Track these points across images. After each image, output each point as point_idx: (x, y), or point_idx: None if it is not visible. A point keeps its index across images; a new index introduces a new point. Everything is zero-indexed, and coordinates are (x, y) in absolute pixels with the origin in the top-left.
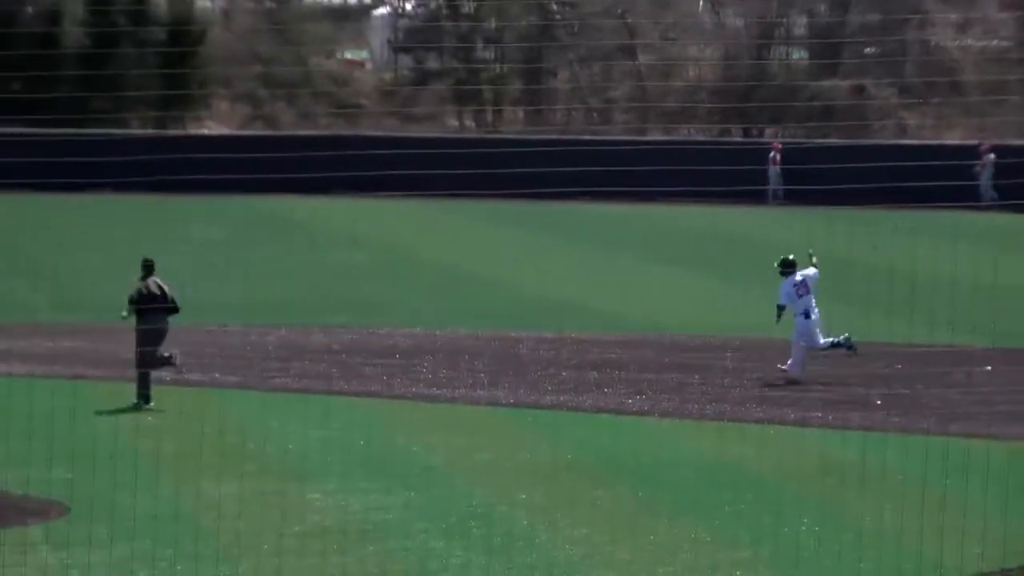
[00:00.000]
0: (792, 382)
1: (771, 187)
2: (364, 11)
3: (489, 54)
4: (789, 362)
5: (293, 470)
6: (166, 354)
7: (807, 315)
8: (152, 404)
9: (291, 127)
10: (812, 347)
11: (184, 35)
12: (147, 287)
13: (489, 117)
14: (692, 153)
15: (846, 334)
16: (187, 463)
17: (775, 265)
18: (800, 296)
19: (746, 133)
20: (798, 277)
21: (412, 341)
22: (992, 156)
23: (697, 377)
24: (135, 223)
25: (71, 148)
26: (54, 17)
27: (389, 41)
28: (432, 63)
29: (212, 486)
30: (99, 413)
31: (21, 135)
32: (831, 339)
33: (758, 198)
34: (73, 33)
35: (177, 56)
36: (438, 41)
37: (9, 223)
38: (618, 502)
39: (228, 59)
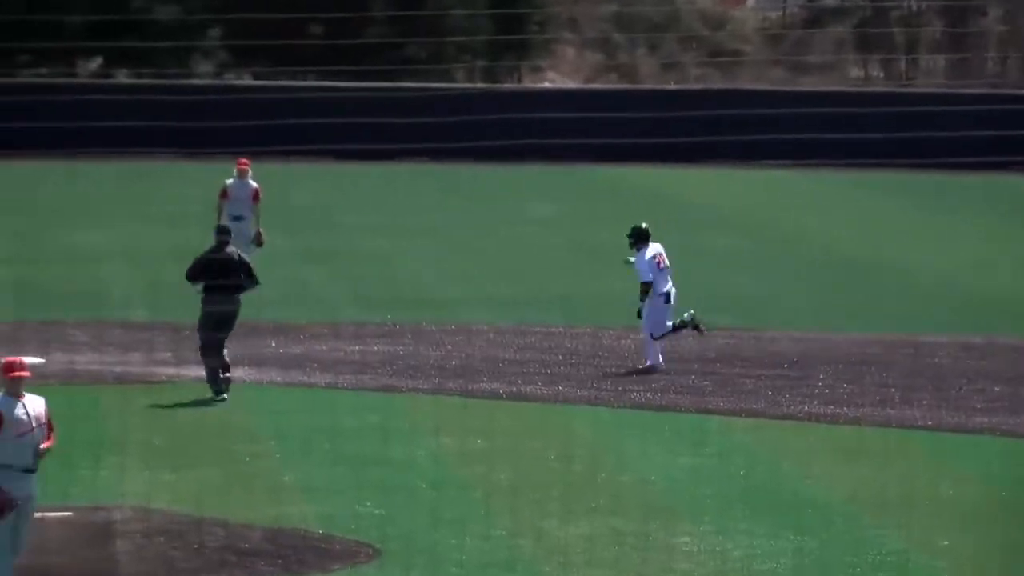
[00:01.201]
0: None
1: None
2: None
3: None
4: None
5: (656, 506)
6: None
7: (668, 298)
8: (225, 397)
9: (652, 79)
10: (656, 334)
11: None
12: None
13: (902, 67)
14: None
15: (690, 311)
16: (525, 496)
17: (627, 236)
18: (660, 270)
19: None
20: (652, 250)
21: (802, 346)
22: None
23: None
24: (454, 197)
25: (380, 106)
26: None
27: None
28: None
29: (556, 525)
30: (416, 433)
31: (318, 90)
32: (671, 322)
33: None
34: None
35: None
36: None
37: (303, 197)
38: None
39: None
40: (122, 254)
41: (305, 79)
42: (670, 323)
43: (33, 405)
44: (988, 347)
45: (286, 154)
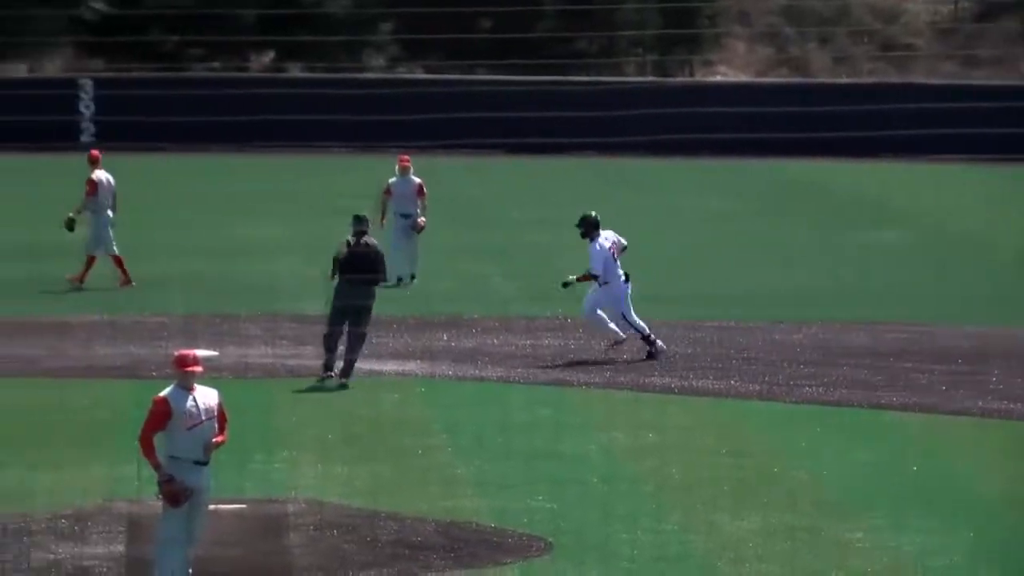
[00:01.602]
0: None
1: None
2: None
3: None
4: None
5: (829, 502)
6: None
7: (627, 279)
8: (331, 375)
9: (824, 73)
10: (624, 313)
11: None
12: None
13: None
14: None
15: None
16: (696, 491)
17: (576, 226)
18: (615, 261)
19: None
20: (605, 239)
21: (975, 341)
22: None
23: None
24: (623, 191)
25: (549, 100)
26: None
27: None
28: None
29: (727, 520)
30: (587, 428)
31: (488, 84)
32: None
33: None
34: None
35: None
36: None
37: (473, 191)
38: None
39: None
40: (295, 248)
41: (475, 73)
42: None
43: (204, 398)
44: None
45: (457, 148)
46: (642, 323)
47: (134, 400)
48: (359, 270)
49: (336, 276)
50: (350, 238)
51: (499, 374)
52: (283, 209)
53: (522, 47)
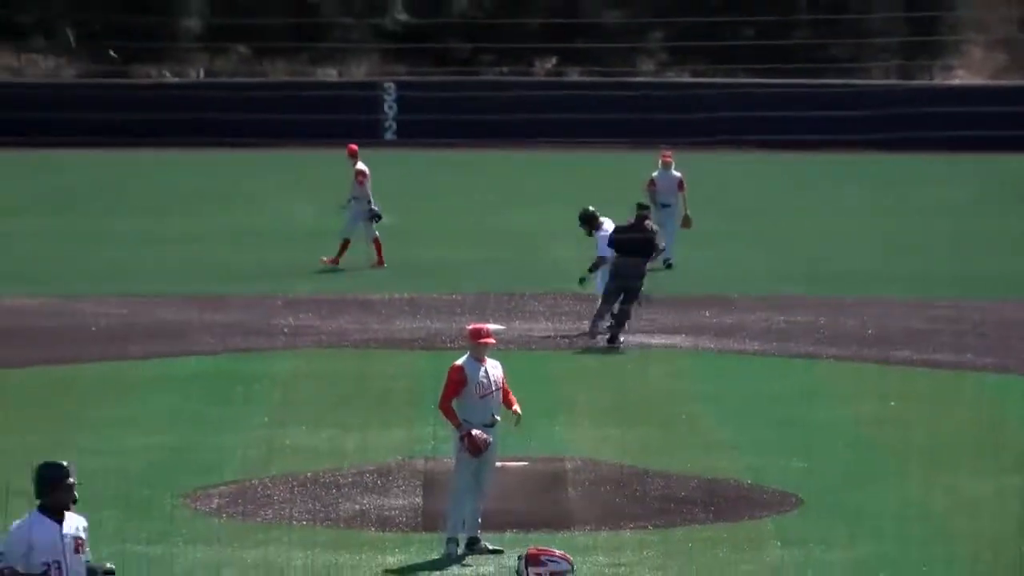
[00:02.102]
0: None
1: None
2: None
3: None
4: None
5: None
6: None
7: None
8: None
9: None
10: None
11: None
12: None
13: None
14: None
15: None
16: (937, 456)
17: (579, 224)
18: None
19: None
20: (606, 230)
21: None
22: None
23: None
24: (870, 184)
25: (805, 101)
26: None
27: None
28: None
29: (966, 483)
30: (836, 398)
31: (750, 86)
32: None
33: None
34: None
35: None
36: None
37: (737, 183)
38: None
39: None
40: (564, 234)
41: (738, 76)
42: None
43: (493, 369)
44: None
45: (719, 144)
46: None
47: (430, 369)
48: (639, 250)
49: (613, 256)
50: (631, 219)
51: (756, 348)
52: (560, 199)
53: (781, 52)
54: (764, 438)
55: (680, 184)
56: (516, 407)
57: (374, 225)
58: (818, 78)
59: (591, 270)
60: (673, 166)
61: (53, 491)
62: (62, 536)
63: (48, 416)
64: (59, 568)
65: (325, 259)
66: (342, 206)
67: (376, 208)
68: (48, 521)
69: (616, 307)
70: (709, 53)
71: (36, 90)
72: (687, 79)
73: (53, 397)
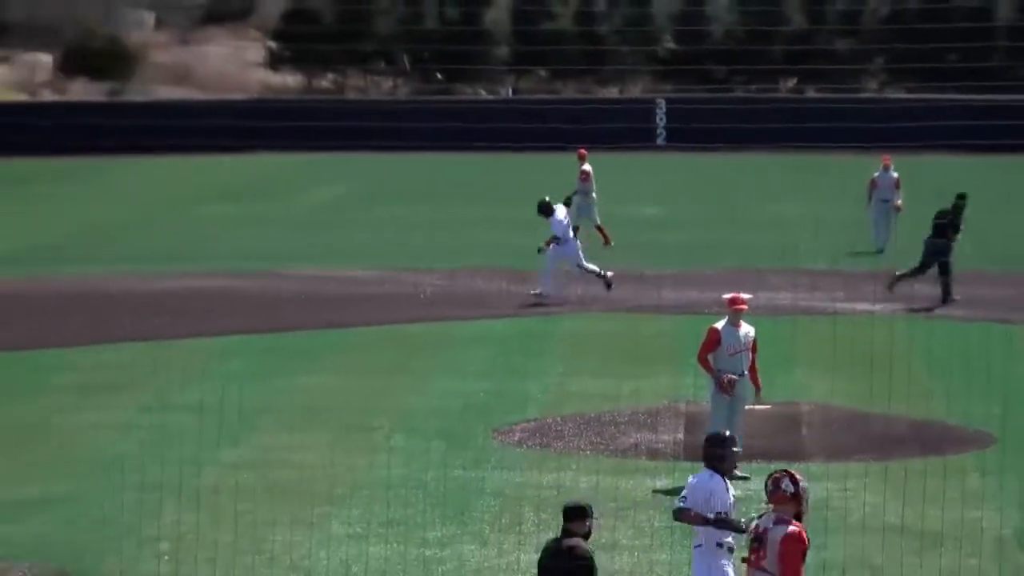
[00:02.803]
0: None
1: None
2: None
3: None
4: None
5: None
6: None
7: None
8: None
9: None
10: (580, 266)
11: None
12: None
13: None
14: None
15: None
16: None
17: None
18: (567, 227)
19: None
20: (561, 215)
21: None
22: None
23: None
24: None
25: (1003, 113)
26: None
27: None
28: None
29: None
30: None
31: (960, 102)
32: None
33: None
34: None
35: None
36: None
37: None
38: None
39: None
40: (811, 220)
41: (946, 92)
42: (584, 264)
43: (746, 331)
44: None
45: (929, 149)
46: (593, 266)
47: (690, 331)
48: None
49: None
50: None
51: (968, 315)
52: (796, 194)
53: (980, 72)
54: (969, 386)
55: (897, 183)
56: (759, 382)
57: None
58: (1013, 94)
59: (546, 244)
60: (892, 168)
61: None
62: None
63: (382, 365)
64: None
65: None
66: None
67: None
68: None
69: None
70: (920, 73)
71: (379, 105)
72: (903, 95)
73: (386, 351)
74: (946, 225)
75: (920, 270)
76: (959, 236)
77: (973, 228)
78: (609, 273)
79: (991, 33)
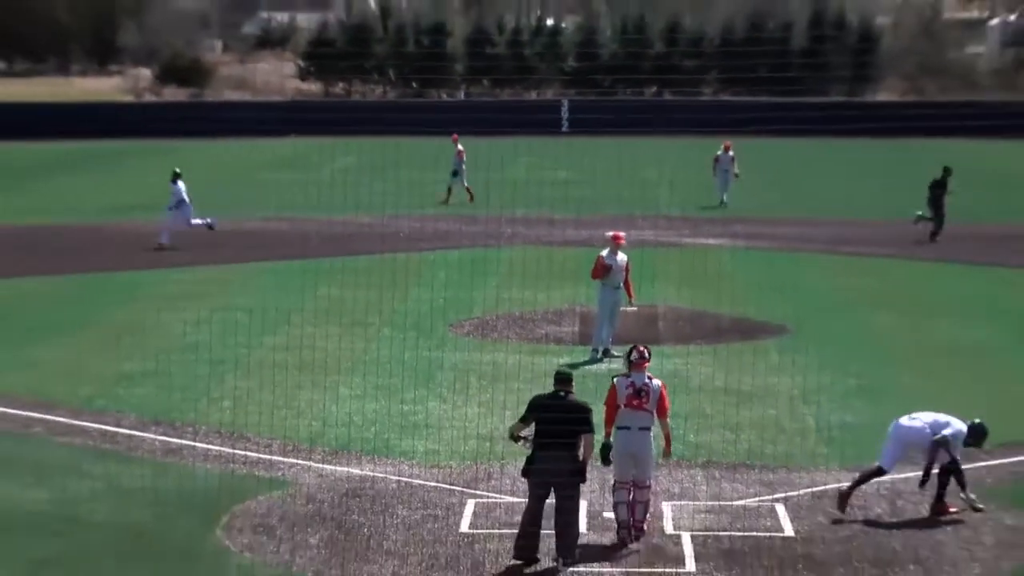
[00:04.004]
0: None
1: None
2: None
3: None
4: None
5: None
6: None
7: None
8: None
9: None
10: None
11: None
12: None
13: None
14: None
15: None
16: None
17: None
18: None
19: None
20: (182, 185)
21: None
22: None
23: None
24: None
25: None
26: None
27: None
28: None
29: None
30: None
31: None
32: (202, 220)
33: None
34: None
35: None
36: None
37: None
38: None
39: None
40: (669, 183)
41: None
42: (198, 219)
43: (622, 258)
44: None
45: None
46: (198, 220)
47: (585, 258)
48: None
49: None
50: None
51: (772, 245)
52: (667, 163)
53: None
54: (772, 296)
55: (733, 159)
56: (633, 295)
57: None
58: (804, 96)
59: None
60: (731, 149)
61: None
62: None
63: (375, 281)
64: None
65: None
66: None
67: None
68: None
69: None
70: (742, 82)
71: (374, 104)
72: (730, 98)
73: (378, 272)
74: (940, 188)
75: (941, 221)
76: (947, 196)
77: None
78: (210, 220)
79: (788, 54)
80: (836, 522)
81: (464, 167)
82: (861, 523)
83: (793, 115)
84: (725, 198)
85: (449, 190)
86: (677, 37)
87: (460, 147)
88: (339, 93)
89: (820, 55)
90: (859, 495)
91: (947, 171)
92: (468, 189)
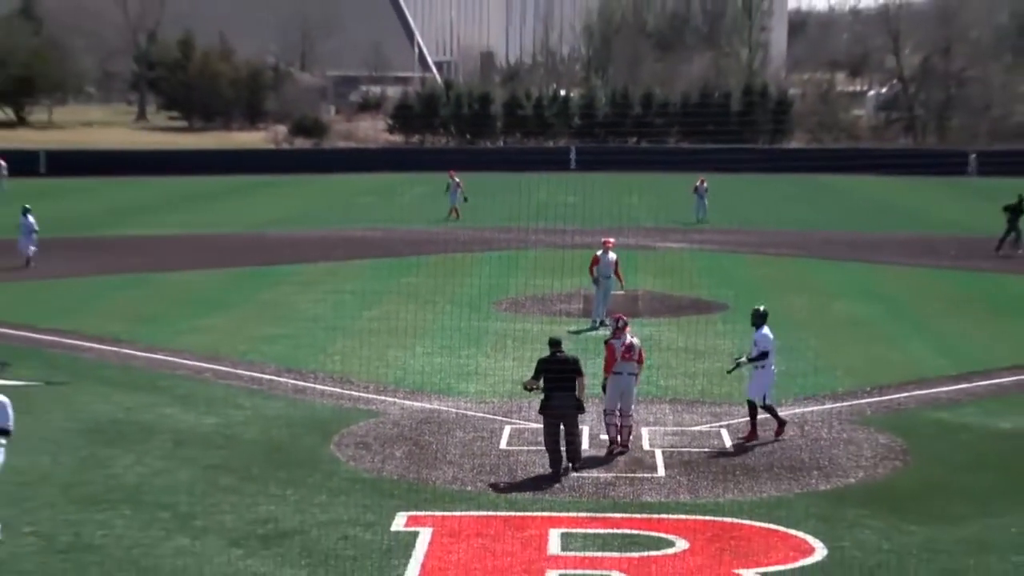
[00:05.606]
0: None
1: None
2: None
3: None
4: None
5: None
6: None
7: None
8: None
9: None
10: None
11: None
12: None
13: None
14: None
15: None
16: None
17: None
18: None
19: None
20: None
21: None
22: None
23: None
24: None
25: None
26: None
27: None
28: None
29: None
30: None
31: None
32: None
33: None
34: None
35: None
36: None
37: None
38: None
39: None
40: (649, 205)
41: None
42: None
43: (613, 257)
44: None
45: None
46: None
47: (586, 257)
48: None
49: None
50: None
51: (722, 247)
52: (648, 192)
53: None
54: (719, 282)
55: (706, 189)
56: (623, 281)
57: None
58: (742, 144)
59: None
60: (705, 182)
61: None
62: None
63: (440, 273)
64: None
65: None
66: None
67: None
68: None
69: None
70: (695, 133)
71: (438, 151)
72: (688, 145)
73: (443, 266)
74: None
75: (1019, 236)
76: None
77: (722, 207)
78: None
79: (728, 114)
80: (762, 443)
81: (458, 193)
82: (779, 441)
83: (732, 157)
84: (701, 216)
85: (455, 210)
86: (651, 102)
87: (458, 179)
88: (415, 142)
89: (750, 115)
90: (768, 422)
91: (1022, 198)
92: (455, 208)
